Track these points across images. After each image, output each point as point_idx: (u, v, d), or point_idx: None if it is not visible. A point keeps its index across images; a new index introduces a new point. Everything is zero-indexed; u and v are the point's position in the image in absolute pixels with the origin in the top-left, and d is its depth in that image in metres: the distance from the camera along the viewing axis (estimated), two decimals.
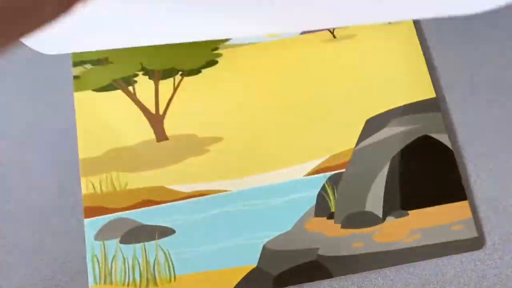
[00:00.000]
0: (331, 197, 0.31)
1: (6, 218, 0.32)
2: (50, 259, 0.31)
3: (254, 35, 0.33)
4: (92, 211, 0.31)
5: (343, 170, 0.31)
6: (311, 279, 0.30)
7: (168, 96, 0.34)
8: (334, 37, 0.35)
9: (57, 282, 0.31)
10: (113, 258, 0.30)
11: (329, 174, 0.31)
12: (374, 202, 0.31)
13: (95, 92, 0.34)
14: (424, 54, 0.34)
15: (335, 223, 0.31)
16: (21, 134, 0.34)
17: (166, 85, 0.34)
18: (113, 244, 0.31)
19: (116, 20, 0.29)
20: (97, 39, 0.31)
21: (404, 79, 0.33)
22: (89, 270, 0.30)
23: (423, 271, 0.30)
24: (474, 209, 0.31)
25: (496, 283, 0.30)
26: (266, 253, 0.30)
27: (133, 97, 0.34)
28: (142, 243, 0.31)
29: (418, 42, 0.34)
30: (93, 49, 0.32)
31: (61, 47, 0.32)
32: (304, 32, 0.35)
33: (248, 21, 0.29)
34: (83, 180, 0.32)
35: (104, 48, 0.32)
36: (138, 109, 0.33)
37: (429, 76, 0.33)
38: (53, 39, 0.31)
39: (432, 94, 0.33)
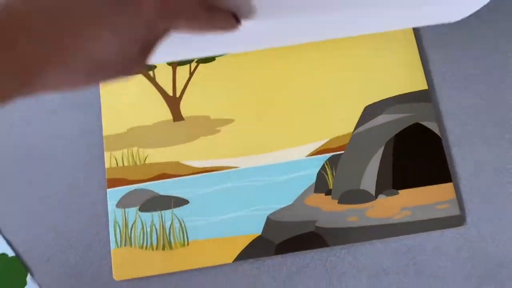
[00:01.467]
0: (330, 176, 0.34)
1: (31, 188, 0.36)
2: (74, 225, 0.35)
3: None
4: (114, 182, 0.35)
5: (342, 152, 0.35)
6: (309, 247, 0.33)
7: (185, 81, 0.37)
8: None
9: (81, 246, 0.35)
10: (133, 224, 0.34)
11: (329, 155, 0.35)
12: (369, 181, 0.34)
13: None
14: (419, 48, 0.38)
15: (332, 199, 0.34)
16: (53, 108, 0.37)
17: (183, 70, 0.37)
18: (133, 211, 0.34)
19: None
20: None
21: (400, 71, 0.36)
22: (111, 234, 0.34)
23: (407, 240, 0.34)
24: (457, 190, 0.34)
25: (471, 255, 0.33)
26: (270, 223, 0.34)
27: (153, 81, 0.37)
28: (159, 211, 0.34)
29: (414, 37, 0.37)
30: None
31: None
32: None
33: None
34: (106, 155, 0.36)
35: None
36: (157, 92, 0.37)
37: (422, 69, 0.36)
38: None
39: (425, 86, 0.36)
